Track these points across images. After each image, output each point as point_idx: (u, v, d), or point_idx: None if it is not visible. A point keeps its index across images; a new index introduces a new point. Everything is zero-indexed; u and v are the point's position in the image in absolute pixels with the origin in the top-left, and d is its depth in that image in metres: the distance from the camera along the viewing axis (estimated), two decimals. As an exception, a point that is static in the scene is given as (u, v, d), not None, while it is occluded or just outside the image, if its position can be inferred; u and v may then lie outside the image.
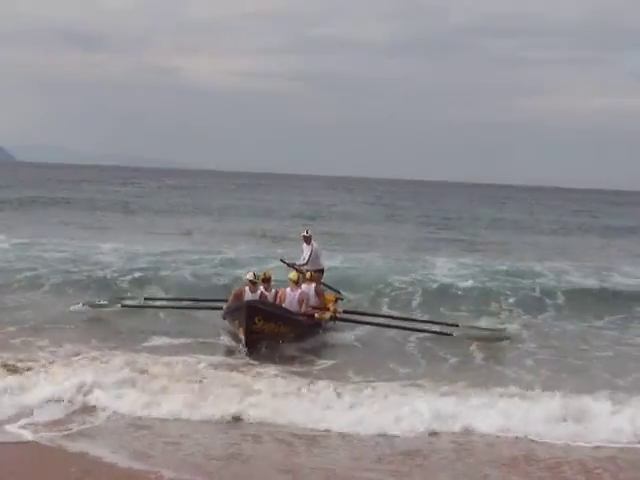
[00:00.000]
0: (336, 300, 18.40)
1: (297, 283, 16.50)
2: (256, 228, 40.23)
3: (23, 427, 10.30)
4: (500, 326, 18.01)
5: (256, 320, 15.04)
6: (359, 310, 18.28)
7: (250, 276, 16.12)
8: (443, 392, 12.37)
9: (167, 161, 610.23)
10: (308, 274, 17.11)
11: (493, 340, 16.65)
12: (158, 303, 18.91)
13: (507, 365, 15.16)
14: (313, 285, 17.00)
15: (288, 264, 18.85)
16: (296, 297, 16.39)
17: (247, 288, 16.08)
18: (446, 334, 16.56)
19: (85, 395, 11.39)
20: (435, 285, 22.63)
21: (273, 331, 15.32)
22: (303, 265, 18.24)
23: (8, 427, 10.28)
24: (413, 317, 18.36)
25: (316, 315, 16.44)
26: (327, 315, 16.72)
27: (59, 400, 11.24)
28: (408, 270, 24.54)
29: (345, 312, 17.44)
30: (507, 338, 16.95)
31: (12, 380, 11.69)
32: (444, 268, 25.72)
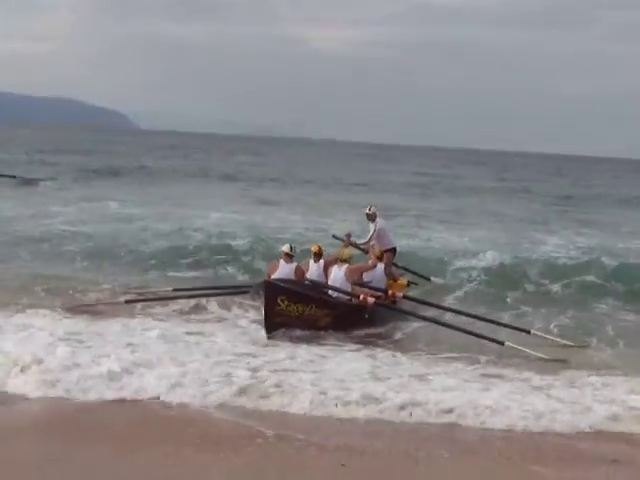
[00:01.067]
0: (408, 284, 17.09)
1: (345, 261, 14.83)
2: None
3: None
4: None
5: (279, 301, 13.46)
6: (426, 300, 16.06)
7: (286, 248, 14.72)
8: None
9: (293, 131, 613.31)
10: (378, 251, 15.89)
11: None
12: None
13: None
14: (381, 265, 15.65)
15: (340, 238, 17.65)
16: (342, 273, 14.70)
17: (282, 261, 14.68)
18: (497, 341, 13.62)
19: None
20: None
21: (302, 314, 13.73)
22: (363, 244, 17.03)
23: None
24: (486, 316, 15.37)
25: (361, 297, 14.47)
26: (371, 300, 14.44)
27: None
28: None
29: (406, 298, 15.48)
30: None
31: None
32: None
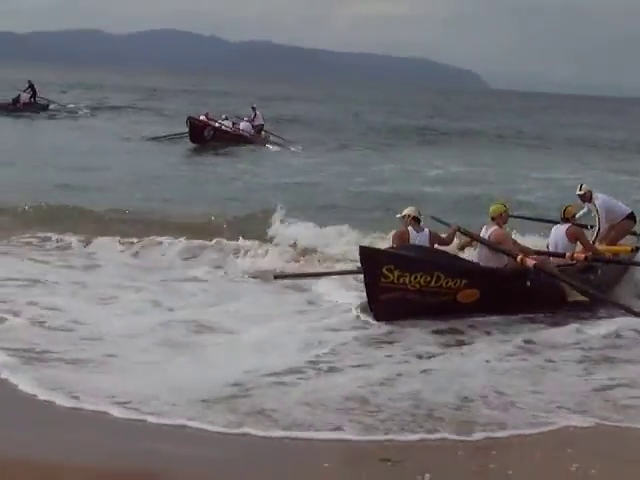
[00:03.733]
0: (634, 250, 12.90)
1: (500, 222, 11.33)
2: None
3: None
4: None
5: (385, 271, 10.23)
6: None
7: (412, 211, 11.39)
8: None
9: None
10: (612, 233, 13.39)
11: None
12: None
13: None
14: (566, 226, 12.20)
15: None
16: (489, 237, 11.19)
17: (410, 229, 11.30)
18: None
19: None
20: None
21: (427, 286, 10.37)
22: (597, 238, 13.25)
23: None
24: None
25: (518, 258, 10.86)
26: (530, 262, 10.84)
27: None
28: None
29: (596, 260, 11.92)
30: None
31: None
32: None
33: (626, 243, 13.57)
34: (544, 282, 11.04)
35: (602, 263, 12.02)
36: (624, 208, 13.87)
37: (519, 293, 10.83)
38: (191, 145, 33.33)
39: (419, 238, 11.11)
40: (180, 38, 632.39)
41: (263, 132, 36.95)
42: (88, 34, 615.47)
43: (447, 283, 10.44)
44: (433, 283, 10.36)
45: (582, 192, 13.64)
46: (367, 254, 10.34)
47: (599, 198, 13.60)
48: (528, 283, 10.82)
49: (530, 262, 10.86)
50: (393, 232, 11.60)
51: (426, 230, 11.33)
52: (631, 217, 13.82)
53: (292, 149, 34.69)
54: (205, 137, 33.53)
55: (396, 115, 65.98)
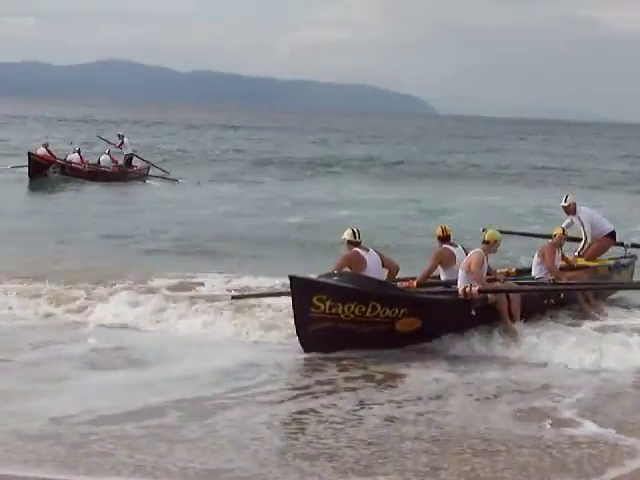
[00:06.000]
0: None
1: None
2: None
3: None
4: None
5: (315, 300, 9.71)
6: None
7: (349, 235, 10.81)
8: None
9: (585, 113, 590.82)
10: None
11: None
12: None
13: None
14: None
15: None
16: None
17: (360, 251, 10.69)
18: None
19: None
20: None
21: (362, 317, 9.83)
22: (582, 249, 13.54)
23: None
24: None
25: (460, 290, 10.56)
26: (474, 289, 10.45)
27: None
28: None
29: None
30: None
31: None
32: None
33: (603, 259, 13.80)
34: (494, 305, 10.77)
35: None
36: (607, 225, 14.03)
37: (463, 322, 10.58)
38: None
39: (374, 261, 10.69)
40: (123, 68, 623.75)
41: (140, 161, 33.00)
42: (30, 66, 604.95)
43: (384, 312, 9.98)
44: (369, 313, 9.90)
45: (567, 204, 13.80)
46: (297, 283, 9.90)
47: (583, 211, 13.82)
48: (473, 312, 10.56)
49: (474, 290, 10.50)
50: (341, 256, 10.88)
51: (374, 252, 10.85)
52: (612, 235, 13.96)
53: (179, 181, 32.09)
54: (49, 175, 29.73)
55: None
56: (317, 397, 8.76)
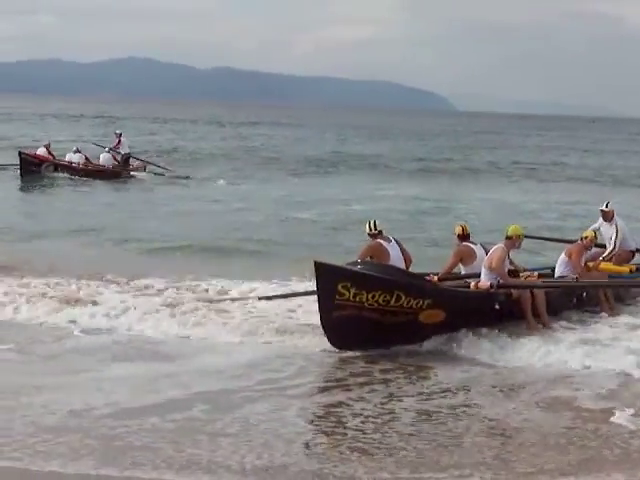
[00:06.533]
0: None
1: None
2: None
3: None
4: None
5: (339, 287, 9.61)
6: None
7: (368, 228, 11.25)
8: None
9: (605, 109, 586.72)
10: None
11: None
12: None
13: None
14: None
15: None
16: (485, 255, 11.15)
17: (382, 242, 11.13)
18: None
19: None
20: None
21: (386, 306, 9.74)
22: (609, 254, 13.41)
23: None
24: None
25: (472, 284, 10.72)
26: (484, 285, 10.58)
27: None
28: None
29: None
30: None
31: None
32: None
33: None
34: (518, 301, 10.75)
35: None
36: (632, 242, 14.00)
37: (487, 316, 10.49)
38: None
39: (396, 251, 11.02)
40: (143, 65, 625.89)
41: (137, 161, 32.71)
42: (50, 63, 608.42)
43: (409, 302, 9.83)
44: (393, 302, 9.75)
45: (608, 209, 13.76)
46: (322, 270, 9.69)
47: (619, 222, 13.78)
48: (497, 306, 10.54)
49: (484, 285, 10.59)
50: (364, 245, 11.22)
51: (394, 242, 11.18)
52: (633, 253, 13.96)
53: (184, 178, 31.31)
54: (42, 173, 29.91)
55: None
56: (348, 390, 8.72)
